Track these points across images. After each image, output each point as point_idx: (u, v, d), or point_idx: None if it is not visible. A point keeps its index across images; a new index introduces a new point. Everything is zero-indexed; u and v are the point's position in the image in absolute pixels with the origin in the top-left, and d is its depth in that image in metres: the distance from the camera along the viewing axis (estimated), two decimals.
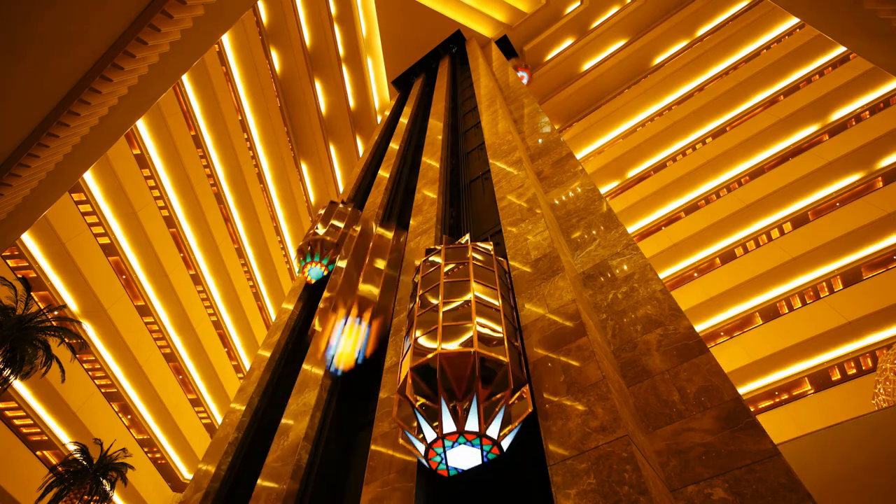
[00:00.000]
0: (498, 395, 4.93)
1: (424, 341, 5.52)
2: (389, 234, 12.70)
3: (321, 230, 13.30)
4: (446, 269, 6.65)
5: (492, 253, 7.03)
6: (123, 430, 30.53)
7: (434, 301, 6.11)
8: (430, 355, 5.20)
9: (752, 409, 7.72)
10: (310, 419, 8.18)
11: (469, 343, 5.20)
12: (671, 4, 31.97)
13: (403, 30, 32.66)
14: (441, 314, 5.73)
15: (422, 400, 5.09)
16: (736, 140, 26.81)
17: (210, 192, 34.81)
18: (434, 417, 4.94)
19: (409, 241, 11.22)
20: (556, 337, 5.66)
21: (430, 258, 7.20)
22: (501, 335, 5.42)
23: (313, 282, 13.28)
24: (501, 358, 5.08)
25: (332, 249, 12.87)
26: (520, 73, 25.59)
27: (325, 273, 13.02)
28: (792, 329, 20.86)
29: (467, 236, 7.63)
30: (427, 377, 5.13)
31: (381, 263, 11.13)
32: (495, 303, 5.96)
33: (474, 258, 6.71)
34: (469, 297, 5.91)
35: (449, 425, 4.86)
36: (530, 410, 5.03)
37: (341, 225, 13.71)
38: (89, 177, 26.95)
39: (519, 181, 9.70)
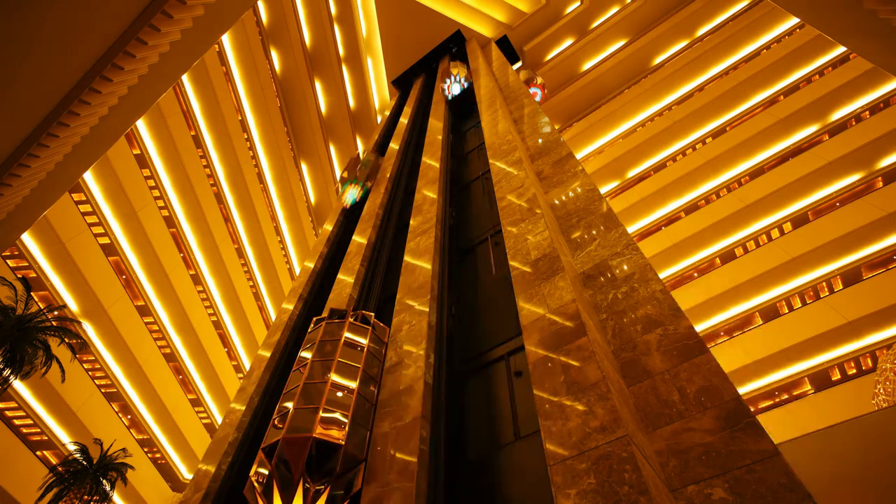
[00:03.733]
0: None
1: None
2: None
3: (363, 156, 17.52)
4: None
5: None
6: (123, 430, 30.52)
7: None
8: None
9: (752, 409, 7.73)
10: None
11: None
12: (671, 4, 31.96)
13: (403, 30, 32.64)
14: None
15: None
16: (736, 140, 26.80)
17: (210, 192, 34.80)
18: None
19: (409, 240, 11.22)
20: (556, 337, 5.66)
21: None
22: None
23: (349, 206, 16.72)
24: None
25: (364, 179, 16.40)
26: (532, 90, 23.96)
27: (359, 198, 16.62)
28: (792, 329, 20.85)
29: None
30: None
31: None
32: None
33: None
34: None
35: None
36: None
37: (372, 159, 18.01)
38: (89, 177, 26.94)
39: (519, 181, 9.70)
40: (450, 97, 19.16)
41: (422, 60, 34.09)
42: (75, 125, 11.83)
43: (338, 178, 39.84)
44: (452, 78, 18.67)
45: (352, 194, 16.59)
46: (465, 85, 18.93)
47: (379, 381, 7.54)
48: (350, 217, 19.02)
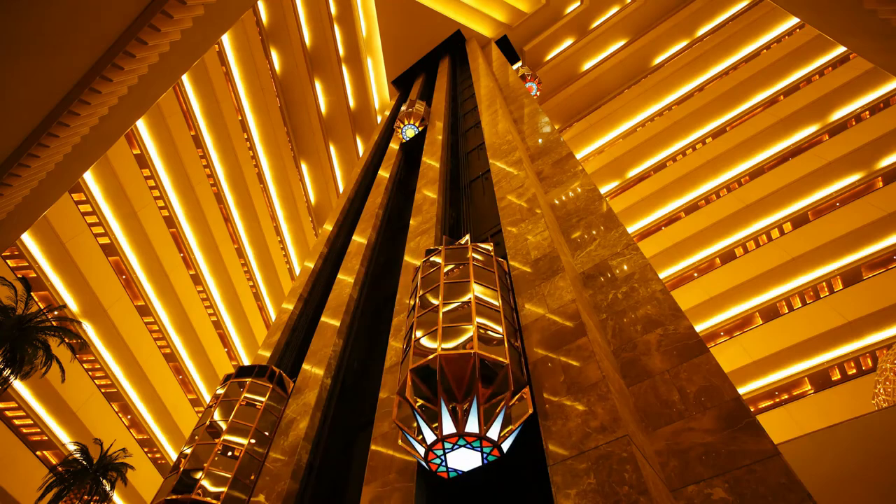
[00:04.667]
0: (498, 397, 4.90)
1: (425, 342, 5.50)
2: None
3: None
4: (446, 269, 6.63)
5: (492, 253, 7.02)
6: (123, 430, 30.53)
7: (434, 301, 6.10)
8: (430, 356, 5.17)
9: (752, 409, 7.73)
10: (310, 419, 8.18)
11: (469, 344, 5.16)
12: (671, 4, 31.96)
13: (403, 30, 32.64)
14: (441, 315, 5.71)
15: (421, 402, 5.06)
16: (736, 140, 26.79)
17: (210, 192, 34.80)
18: (434, 419, 4.91)
19: (409, 240, 11.22)
20: (556, 337, 5.66)
21: (431, 258, 7.20)
22: (502, 336, 5.39)
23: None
24: (501, 359, 5.04)
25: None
26: (528, 85, 23.68)
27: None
28: (792, 329, 20.85)
29: (467, 237, 7.64)
30: (427, 378, 5.10)
31: None
32: (495, 303, 5.94)
33: (474, 259, 6.69)
34: (469, 297, 5.88)
35: (449, 427, 4.83)
36: (531, 412, 4.98)
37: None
38: (89, 177, 26.94)
39: (519, 181, 9.70)
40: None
41: (422, 60, 34.09)
42: (75, 125, 11.83)
43: (338, 177, 39.88)
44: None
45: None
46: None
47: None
48: (350, 216, 19.02)
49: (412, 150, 20.76)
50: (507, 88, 19.82)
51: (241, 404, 7.01)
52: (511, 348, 5.32)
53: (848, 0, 8.96)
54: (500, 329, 5.50)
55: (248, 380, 7.45)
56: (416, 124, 20.03)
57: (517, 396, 5.04)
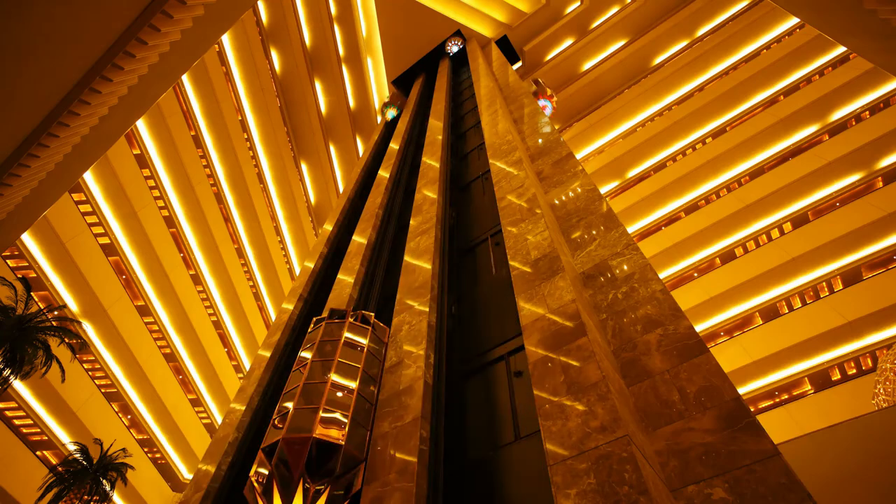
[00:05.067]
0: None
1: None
2: None
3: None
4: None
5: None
6: (123, 430, 30.52)
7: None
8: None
9: (752, 409, 7.73)
10: None
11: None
12: (671, 4, 31.95)
13: (403, 30, 32.64)
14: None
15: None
16: (736, 140, 26.79)
17: (210, 192, 34.80)
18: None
19: (409, 240, 11.22)
20: (556, 337, 5.66)
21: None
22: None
23: (389, 119, 22.77)
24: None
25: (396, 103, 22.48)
26: (542, 102, 21.97)
27: (396, 114, 23.54)
28: (792, 329, 20.85)
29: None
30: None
31: None
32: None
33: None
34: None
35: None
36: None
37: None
38: (89, 177, 26.94)
39: (519, 181, 9.70)
40: (451, 53, 25.74)
41: (422, 60, 34.09)
42: (75, 125, 11.82)
43: (338, 177, 39.89)
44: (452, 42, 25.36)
45: (391, 113, 23.47)
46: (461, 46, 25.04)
47: (379, 380, 7.52)
48: (350, 216, 19.02)
49: (412, 149, 20.76)
50: (507, 88, 19.82)
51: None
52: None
53: (848, 0, 8.96)
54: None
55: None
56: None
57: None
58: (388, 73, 35.22)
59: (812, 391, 20.45)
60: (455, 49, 23.41)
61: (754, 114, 27.36)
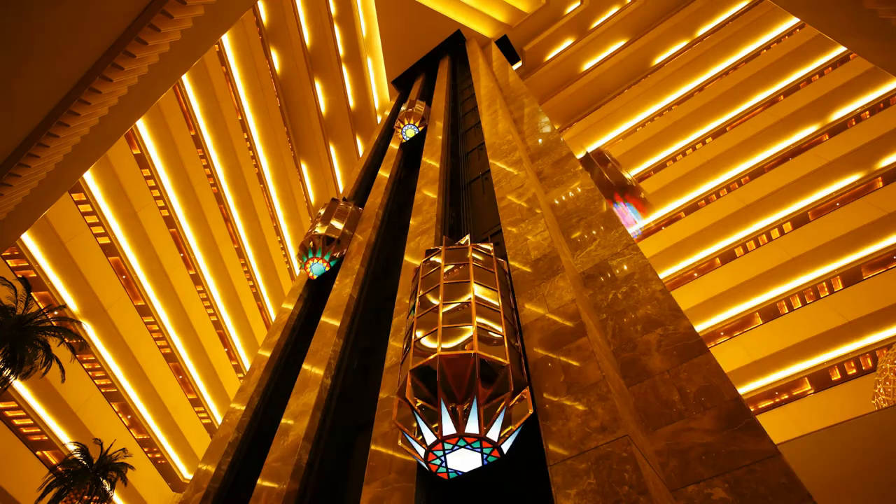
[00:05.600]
0: (498, 398, 4.89)
1: (425, 342, 5.48)
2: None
3: (321, 229, 14.06)
4: (446, 269, 6.61)
5: (492, 254, 7.01)
6: (123, 430, 30.52)
7: (434, 302, 6.08)
8: (430, 357, 5.15)
9: (752, 409, 7.73)
10: (310, 419, 8.18)
11: (469, 344, 5.14)
12: (671, 4, 31.96)
13: (403, 30, 32.64)
14: (441, 315, 5.68)
15: (421, 402, 5.05)
16: (736, 140, 26.80)
17: (210, 192, 34.81)
18: (434, 420, 4.90)
19: (409, 240, 11.22)
20: (556, 337, 5.66)
21: (431, 259, 7.20)
22: (502, 336, 5.38)
23: (315, 277, 13.99)
24: (501, 360, 5.02)
25: (333, 246, 13.81)
26: (620, 208, 19.14)
27: (327, 269, 13.88)
28: (792, 329, 20.85)
29: (467, 237, 7.62)
30: (427, 379, 5.08)
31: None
32: (495, 303, 5.91)
33: (474, 259, 6.68)
34: (469, 297, 5.85)
35: (449, 428, 4.81)
36: (531, 412, 4.96)
37: (341, 225, 14.56)
38: (89, 177, 26.94)
39: (519, 181, 9.70)
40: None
41: (422, 60, 34.09)
42: (75, 125, 11.83)
43: (338, 177, 39.90)
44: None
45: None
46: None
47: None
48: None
49: (412, 150, 20.76)
50: (506, 88, 19.82)
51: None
52: (511, 348, 5.30)
53: (848, 0, 8.96)
54: (500, 329, 5.47)
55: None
56: (416, 124, 19.21)
57: (517, 397, 5.02)
58: (388, 73, 35.22)
59: (812, 391, 20.45)
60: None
61: (754, 114, 27.36)
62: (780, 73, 27.09)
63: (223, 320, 38.24)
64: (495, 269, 6.63)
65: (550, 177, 10.53)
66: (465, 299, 5.89)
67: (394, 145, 21.52)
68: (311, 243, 13.75)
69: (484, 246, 7.15)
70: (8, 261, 25.25)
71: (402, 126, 19.75)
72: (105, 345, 29.62)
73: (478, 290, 5.99)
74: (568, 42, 34.78)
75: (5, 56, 9.74)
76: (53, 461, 26.10)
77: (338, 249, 13.85)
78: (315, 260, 13.70)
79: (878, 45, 9.91)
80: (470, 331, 5.32)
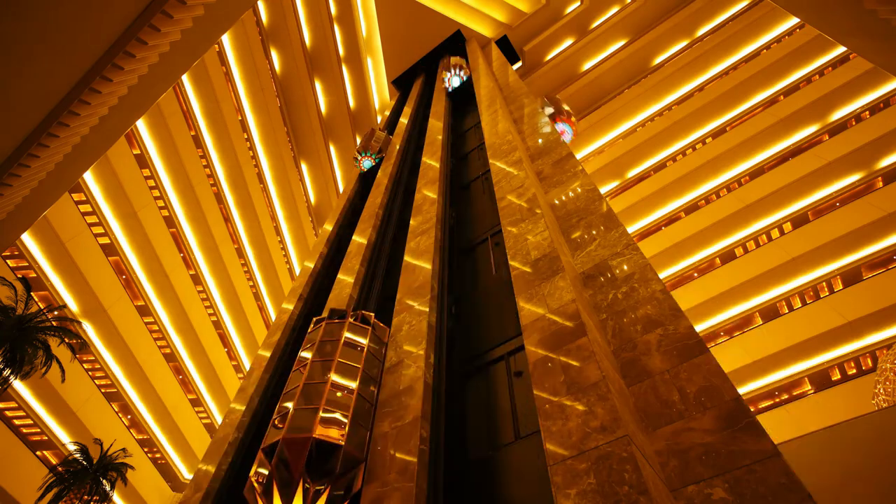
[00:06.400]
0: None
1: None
2: None
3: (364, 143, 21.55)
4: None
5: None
6: (123, 430, 30.52)
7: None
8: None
9: (752, 409, 7.73)
10: None
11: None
12: (671, 4, 31.94)
13: (403, 30, 32.64)
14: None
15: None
16: (736, 140, 26.79)
17: (210, 192, 34.80)
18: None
19: (409, 240, 11.22)
20: (556, 337, 5.66)
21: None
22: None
23: (365, 170, 20.86)
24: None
25: (376, 151, 20.83)
26: (560, 127, 18.23)
27: (373, 164, 20.67)
28: (792, 329, 20.84)
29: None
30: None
31: None
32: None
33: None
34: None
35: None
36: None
37: (381, 138, 21.58)
38: (89, 177, 26.93)
39: (519, 181, 9.70)
40: (450, 89, 21.69)
41: (422, 60, 34.09)
42: (75, 125, 11.83)
43: (338, 177, 39.93)
44: (452, 71, 21.68)
45: (367, 163, 20.90)
46: (465, 78, 21.68)
47: (379, 380, 7.51)
48: (350, 216, 19.03)
49: (412, 149, 20.75)
50: (506, 88, 19.82)
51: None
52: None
53: (848, 0, 8.96)
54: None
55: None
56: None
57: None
58: (388, 73, 35.22)
59: (812, 391, 20.45)
60: (456, 82, 20.32)
61: (754, 114, 27.35)
62: (780, 73, 27.08)
63: (223, 320, 38.24)
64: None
65: (550, 177, 10.53)
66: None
67: (394, 145, 21.50)
68: (363, 148, 20.66)
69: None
70: (8, 261, 25.25)
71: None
72: (105, 345, 29.62)
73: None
74: (568, 42, 34.78)
75: (5, 56, 9.74)
76: (53, 461, 26.10)
77: (379, 155, 20.72)
78: (366, 158, 20.42)
79: (878, 45, 9.91)
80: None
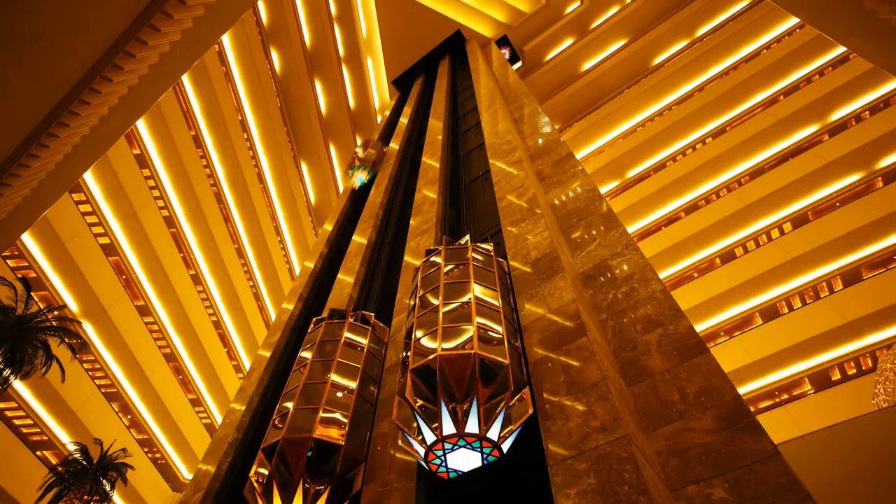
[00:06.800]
0: (498, 397, 4.93)
1: (425, 342, 5.58)
2: None
3: (361, 153, 19.96)
4: (446, 269, 6.73)
5: (492, 253, 7.10)
6: (123, 430, 30.51)
7: (434, 301, 6.22)
8: (430, 356, 5.23)
9: (752, 409, 7.73)
10: None
11: (469, 344, 5.20)
12: (671, 4, 31.95)
13: (403, 30, 32.64)
14: (441, 315, 5.78)
15: (421, 402, 5.11)
16: (736, 140, 26.78)
17: (210, 192, 34.79)
18: (434, 420, 4.95)
19: (409, 240, 11.21)
20: (556, 337, 5.66)
21: (431, 258, 7.26)
22: (502, 336, 5.45)
23: (358, 187, 19.08)
24: (501, 359, 5.08)
25: (371, 165, 19.33)
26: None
27: (366, 180, 18.99)
28: (792, 329, 20.84)
29: (467, 237, 7.69)
30: (427, 379, 5.13)
31: None
32: (495, 303, 6.01)
33: (474, 259, 6.80)
34: (469, 297, 5.95)
35: (449, 428, 4.85)
36: (531, 412, 4.98)
37: (374, 151, 20.28)
38: (89, 177, 26.93)
39: (519, 181, 9.69)
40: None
41: (422, 60, 34.09)
42: (75, 125, 11.82)
43: (338, 177, 39.95)
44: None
45: (359, 178, 19.49)
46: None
47: (379, 381, 7.49)
48: (350, 216, 19.03)
49: (412, 149, 20.74)
50: (507, 88, 19.82)
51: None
52: (511, 348, 5.37)
53: (848, 0, 8.95)
54: (500, 329, 5.54)
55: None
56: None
57: (517, 397, 5.07)
58: (388, 73, 35.21)
59: (812, 391, 20.44)
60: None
61: (754, 114, 27.35)
62: (780, 73, 27.07)
63: (223, 320, 38.23)
64: (495, 269, 6.73)
65: (550, 177, 10.53)
66: (465, 299, 5.98)
67: (394, 145, 21.49)
68: (357, 161, 19.37)
69: (484, 246, 7.24)
70: (8, 261, 25.24)
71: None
72: (105, 345, 29.61)
73: (478, 290, 6.07)
74: (568, 42, 34.78)
75: (5, 56, 9.74)
76: (53, 461, 26.09)
77: (374, 169, 19.27)
78: (359, 172, 18.97)
79: (878, 45, 9.91)
80: (470, 331, 5.38)
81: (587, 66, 34.83)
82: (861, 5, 8.54)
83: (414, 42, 33.22)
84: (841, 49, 25.09)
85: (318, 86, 36.07)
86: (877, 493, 5.49)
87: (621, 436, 4.18)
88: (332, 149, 39.17)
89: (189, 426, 35.52)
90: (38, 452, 26.52)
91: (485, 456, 5.01)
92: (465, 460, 5.07)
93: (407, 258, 10.51)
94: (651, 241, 27.18)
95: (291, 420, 6.16)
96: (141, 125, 29.11)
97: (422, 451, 5.05)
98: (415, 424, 5.14)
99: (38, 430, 26.66)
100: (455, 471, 5.18)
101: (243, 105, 35.52)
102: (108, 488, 24.08)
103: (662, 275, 26.31)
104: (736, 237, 24.98)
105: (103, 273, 28.49)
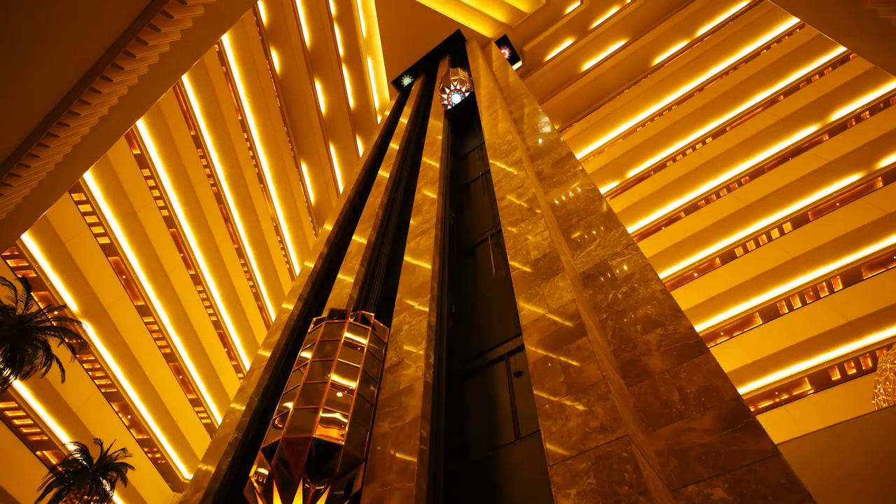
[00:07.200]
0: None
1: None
2: None
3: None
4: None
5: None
6: (123, 430, 30.51)
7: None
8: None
9: (752, 409, 7.73)
10: None
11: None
12: (671, 4, 31.94)
13: (403, 30, 32.63)
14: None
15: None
16: (736, 140, 26.78)
17: (210, 192, 34.80)
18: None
19: (409, 240, 11.22)
20: (556, 337, 5.66)
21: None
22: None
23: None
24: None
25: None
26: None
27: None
28: (792, 329, 20.84)
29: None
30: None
31: None
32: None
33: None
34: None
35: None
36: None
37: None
38: (89, 177, 26.93)
39: (519, 181, 9.69)
40: (449, 107, 20.26)
41: (422, 60, 34.09)
42: (75, 125, 11.82)
43: (338, 177, 39.94)
44: (452, 87, 20.35)
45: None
46: (466, 94, 20.18)
47: (379, 381, 7.51)
48: (350, 216, 19.03)
49: (412, 149, 20.74)
50: (506, 88, 19.81)
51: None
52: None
53: (848, 0, 8.96)
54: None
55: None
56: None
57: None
58: (388, 73, 35.20)
59: (812, 391, 20.44)
60: (456, 98, 19.93)
61: (754, 114, 27.35)
62: (780, 73, 27.07)
63: (223, 320, 38.24)
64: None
65: (550, 177, 10.53)
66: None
67: (394, 145, 21.50)
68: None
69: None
70: (8, 261, 25.25)
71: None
72: (105, 345, 29.62)
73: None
74: (568, 42, 34.77)
75: (5, 56, 9.74)
76: (53, 461, 26.09)
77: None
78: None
79: (878, 45, 9.91)
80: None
81: (587, 66, 34.83)
82: (861, 5, 8.55)
83: (414, 42, 33.22)
84: (841, 49, 25.09)
85: (318, 86, 36.07)
86: (877, 492, 5.49)
87: (621, 436, 4.18)
88: (332, 149, 39.17)
89: (189, 426, 35.53)
90: (38, 452, 26.52)
91: None
92: None
93: (407, 258, 10.51)
94: (651, 241, 27.19)
95: (291, 420, 6.23)
96: (141, 125, 29.12)
97: None
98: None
99: (38, 430, 26.66)
100: None
101: (243, 105, 35.53)
102: (108, 488, 24.08)
103: (662, 275, 26.32)
104: (736, 237, 24.99)
105: (103, 273, 28.49)
